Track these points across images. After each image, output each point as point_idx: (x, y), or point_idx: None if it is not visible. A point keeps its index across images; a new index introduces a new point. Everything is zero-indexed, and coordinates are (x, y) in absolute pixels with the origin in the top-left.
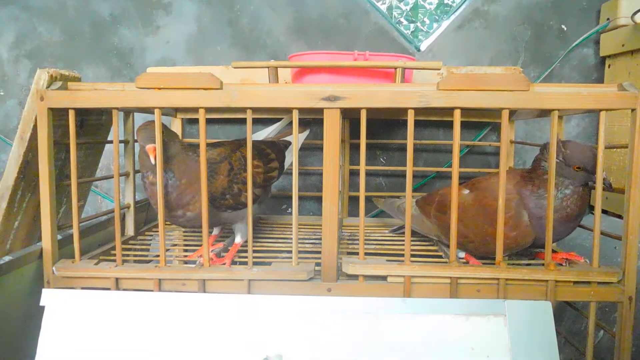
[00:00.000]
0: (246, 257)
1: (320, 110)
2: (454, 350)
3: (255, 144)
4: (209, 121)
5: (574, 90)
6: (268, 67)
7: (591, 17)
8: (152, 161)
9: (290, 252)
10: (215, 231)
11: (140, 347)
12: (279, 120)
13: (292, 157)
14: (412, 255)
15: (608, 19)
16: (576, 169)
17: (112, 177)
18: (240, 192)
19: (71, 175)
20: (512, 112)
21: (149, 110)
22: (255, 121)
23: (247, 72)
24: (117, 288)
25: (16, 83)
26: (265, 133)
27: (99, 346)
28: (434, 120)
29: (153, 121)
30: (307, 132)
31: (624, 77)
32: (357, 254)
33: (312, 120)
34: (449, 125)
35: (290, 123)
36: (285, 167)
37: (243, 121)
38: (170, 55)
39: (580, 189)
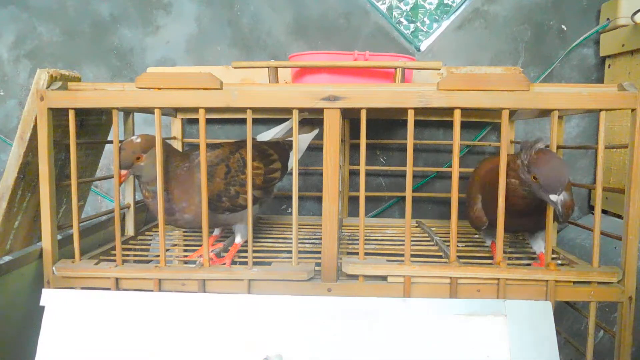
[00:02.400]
0: (246, 257)
1: (320, 110)
2: (454, 350)
3: (257, 144)
4: (209, 121)
5: (574, 90)
6: (268, 67)
7: (591, 17)
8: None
9: (290, 252)
10: (216, 232)
11: (140, 347)
12: (281, 119)
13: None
14: (412, 255)
15: (608, 19)
16: (534, 178)
17: (112, 177)
18: (238, 194)
19: (71, 175)
20: (512, 112)
21: (149, 110)
22: (256, 121)
23: (247, 72)
24: (117, 288)
25: (16, 83)
26: (273, 132)
27: (99, 346)
28: (434, 120)
29: (132, 142)
30: (315, 132)
31: (624, 77)
32: (357, 254)
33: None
34: (449, 125)
35: (300, 122)
36: (290, 167)
37: (243, 121)
38: (170, 55)
39: (529, 200)
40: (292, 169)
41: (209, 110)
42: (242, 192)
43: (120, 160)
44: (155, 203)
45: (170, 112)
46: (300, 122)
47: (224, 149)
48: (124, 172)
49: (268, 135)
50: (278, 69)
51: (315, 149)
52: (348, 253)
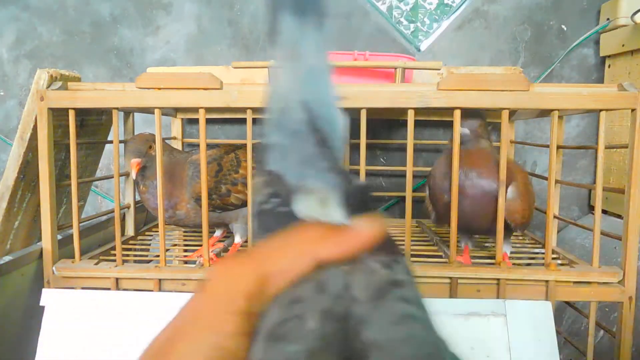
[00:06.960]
0: None
1: None
2: (454, 351)
3: (255, 145)
4: (209, 121)
5: (574, 90)
6: (268, 67)
7: (591, 17)
8: (133, 176)
9: None
10: (217, 233)
11: (140, 347)
12: None
13: None
14: (412, 255)
15: (608, 19)
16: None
17: (112, 177)
18: (229, 193)
19: (71, 175)
20: (512, 112)
21: (149, 110)
22: (256, 121)
23: (247, 72)
24: (117, 288)
25: (16, 83)
26: None
27: (99, 346)
28: (434, 120)
29: (143, 134)
30: None
31: (624, 77)
32: None
33: None
34: (449, 125)
35: None
36: None
37: (243, 121)
38: (170, 55)
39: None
40: None
41: (209, 110)
42: (235, 192)
43: (133, 150)
44: (148, 197)
45: (170, 112)
46: None
47: (219, 149)
48: (138, 160)
49: None
50: None
51: None
52: None
